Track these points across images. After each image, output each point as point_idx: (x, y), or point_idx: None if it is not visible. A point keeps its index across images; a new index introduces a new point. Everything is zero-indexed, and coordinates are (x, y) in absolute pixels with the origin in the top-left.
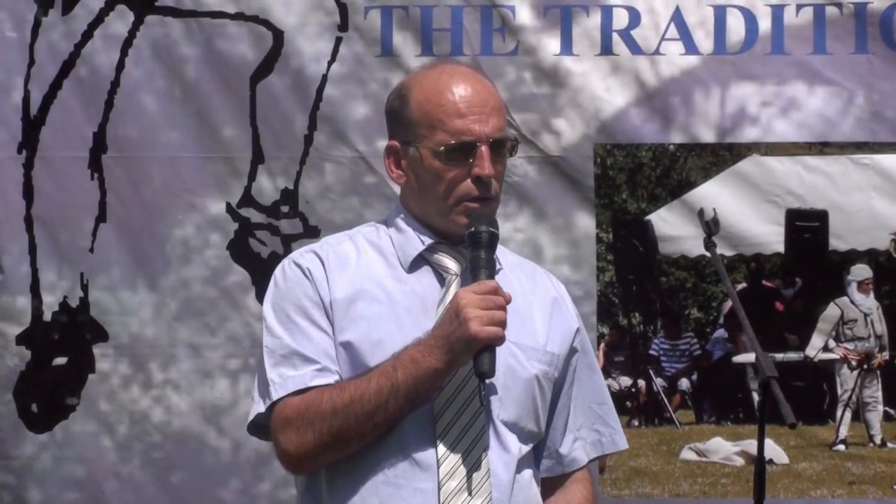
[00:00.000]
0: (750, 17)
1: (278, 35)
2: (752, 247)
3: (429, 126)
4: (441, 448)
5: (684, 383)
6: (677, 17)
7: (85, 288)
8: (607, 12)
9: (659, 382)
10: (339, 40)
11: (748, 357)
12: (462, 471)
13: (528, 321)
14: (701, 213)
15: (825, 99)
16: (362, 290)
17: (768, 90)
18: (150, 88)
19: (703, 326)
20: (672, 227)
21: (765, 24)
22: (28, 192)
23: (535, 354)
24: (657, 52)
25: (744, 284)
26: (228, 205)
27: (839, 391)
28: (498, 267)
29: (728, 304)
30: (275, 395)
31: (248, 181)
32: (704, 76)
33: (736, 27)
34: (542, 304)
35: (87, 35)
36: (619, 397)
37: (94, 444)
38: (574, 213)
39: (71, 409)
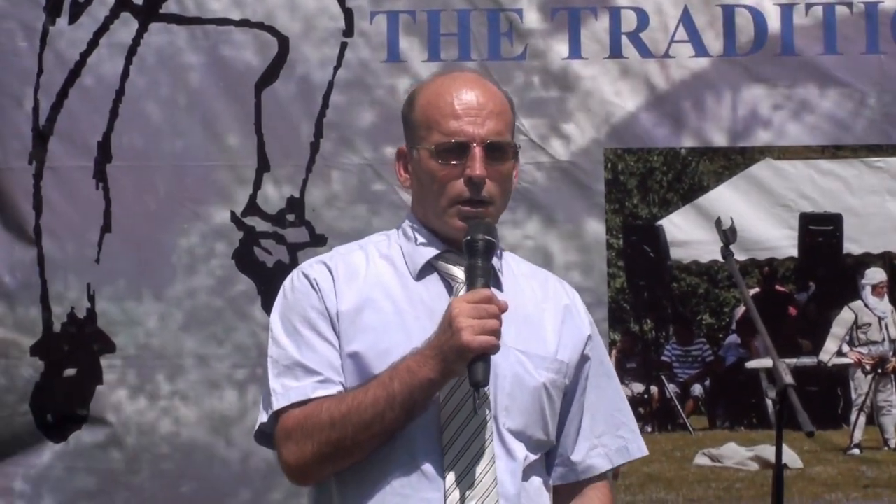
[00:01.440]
0: (759, 17)
1: (283, 41)
2: (766, 251)
3: (427, 127)
4: (448, 458)
5: (697, 389)
6: (686, 18)
7: (92, 299)
8: (615, 14)
9: (672, 388)
10: (344, 46)
11: (761, 362)
12: (468, 480)
13: (538, 329)
14: (718, 222)
15: (837, 101)
16: (370, 300)
17: (779, 92)
18: (155, 96)
19: (716, 332)
20: (684, 232)
21: (774, 25)
22: (37, 203)
23: (543, 363)
24: (667, 54)
25: (757, 289)
26: (233, 213)
27: (853, 395)
28: (505, 275)
29: (741, 309)
30: (276, 406)
31: (253, 189)
32: (715, 78)
33: (745, 28)
34: (553, 312)
35: (93, 43)
36: (631, 403)
37: (103, 456)
38: (584, 219)
39: (83, 420)
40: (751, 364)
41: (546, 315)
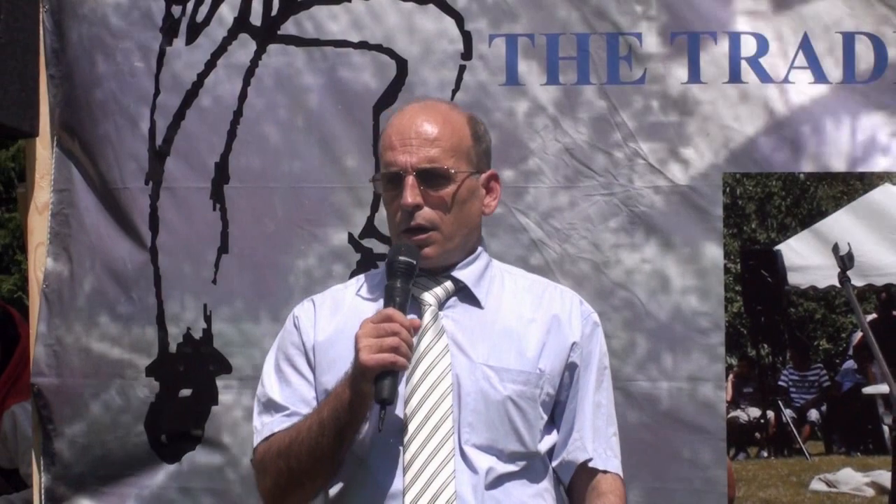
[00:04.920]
0: (879, 45)
1: (402, 64)
2: (883, 277)
3: (381, 160)
4: (408, 476)
5: (813, 414)
6: (805, 45)
7: (208, 319)
8: (735, 39)
9: (788, 413)
10: (462, 69)
11: (878, 388)
12: (426, 497)
13: (517, 342)
14: (835, 248)
15: None
16: (343, 331)
17: None
18: (273, 118)
19: (833, 357)
20: (801, 257)
21: (893, 52)
22: (154, 223)
23: (509, 375)
24: (786, 80)
25: (874, 315)
26: (351, 235)
27: None
28: (493, 292)
29: (858, 334)
30: (255, 442)
31: (371, 211)
32: (834, 105)
33: (865, 55)
34: (540, 324)
35: (211, 64)
36: (748, 428)
37: (218, 476)
38: (702, 244)
39: (197, 440)
40: (868, 390)
41: (532, 327)
